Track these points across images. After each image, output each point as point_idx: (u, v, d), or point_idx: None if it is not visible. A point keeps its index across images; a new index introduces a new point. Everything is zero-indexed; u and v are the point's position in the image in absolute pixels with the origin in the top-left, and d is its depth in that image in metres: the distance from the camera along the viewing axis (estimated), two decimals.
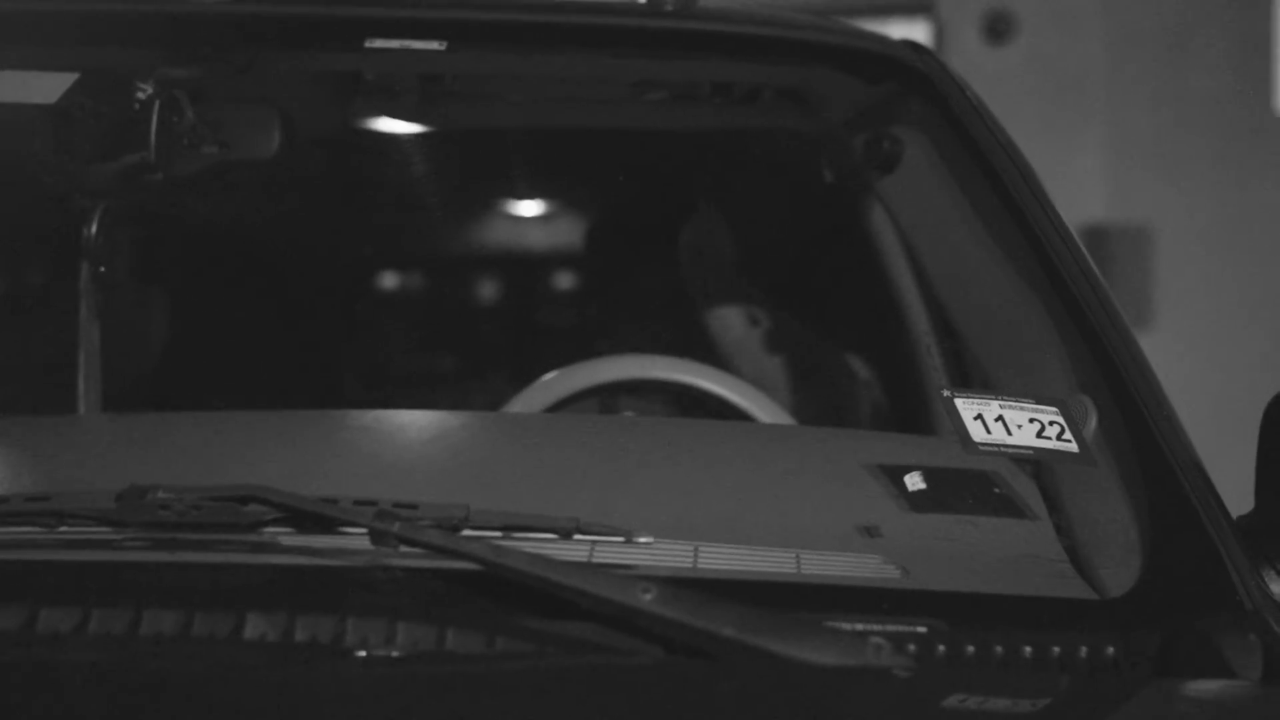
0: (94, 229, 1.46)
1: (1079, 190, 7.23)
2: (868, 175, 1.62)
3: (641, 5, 1.58)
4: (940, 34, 7.38)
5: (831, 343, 1.68)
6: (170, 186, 1.47)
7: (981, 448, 1.13)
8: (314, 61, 1.52)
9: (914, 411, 1.69)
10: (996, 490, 1.20)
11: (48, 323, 1.52)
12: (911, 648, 0.95)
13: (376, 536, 0.96)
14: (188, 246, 1.63)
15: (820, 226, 1.81)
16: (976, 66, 7.34)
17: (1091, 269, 1.39)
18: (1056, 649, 0.96)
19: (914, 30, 7.61)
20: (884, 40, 1.62)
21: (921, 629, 0.97)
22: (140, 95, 1.44)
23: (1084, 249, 1.42)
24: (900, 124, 1.54)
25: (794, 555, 1.07)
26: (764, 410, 1.49)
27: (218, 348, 1.75)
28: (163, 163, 1.44)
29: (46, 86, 1.43)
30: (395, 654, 0.92)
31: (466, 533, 0.98)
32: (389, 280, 2.11)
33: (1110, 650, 0.97)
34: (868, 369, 1.78)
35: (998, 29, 7.20)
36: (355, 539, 0.99)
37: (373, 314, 2.05)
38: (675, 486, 1.18)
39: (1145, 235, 7.08)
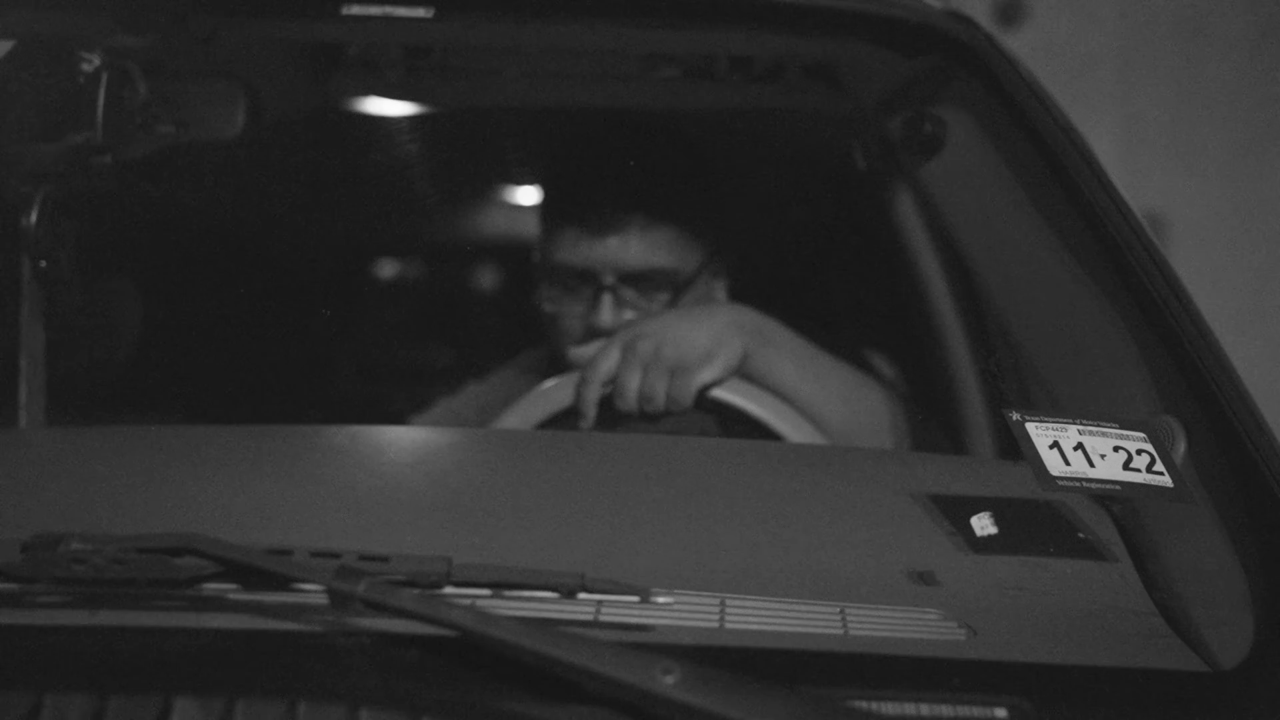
0: (34, 218, 1.28)
1: None
2: (905, 161, 1.44)
3: None
4: None
5: (861, 349, 1.50)
6: (120, 169, 1.28)
7: (1060, 483, 0.95)
8: (284, 30, 1.34)
9: (949, 428, 1.51)
10: (1070, 526, 1.02)
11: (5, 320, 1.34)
12: None
13: (337, 599, 0.78)
14: (140, 237, 1.45)
15: (851, 220, 1.62)
16: None
17: (1170, 269, 1.21)
18: None
19: None
20: (923, 8, 1.43)
21: (1001, 712, 0.79)
22: (86, 67, 1.26)
23: (1165, 256, 1.24)
24: (943, 103, 1.36)
25: (839, 611, 0.89)
26: (792, 426, 1.31)
27: (175, 350, 1.56)
28: (112, 143, 1.27)
29: None
30: None
31: (448, 590, 0.80)
32: (367, 274, 1.94)
33: None
34: (892, 375, 1.60)
35: (1009, 13, 7.03)
36: (313, 597, 0.81)
37: (349, 312, 1.87)
38: (697, 524, 1.00)
39: (1159, 223, 6.91)
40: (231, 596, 0.82)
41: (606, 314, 1.42)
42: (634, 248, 1.45)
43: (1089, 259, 1.19)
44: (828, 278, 1.64)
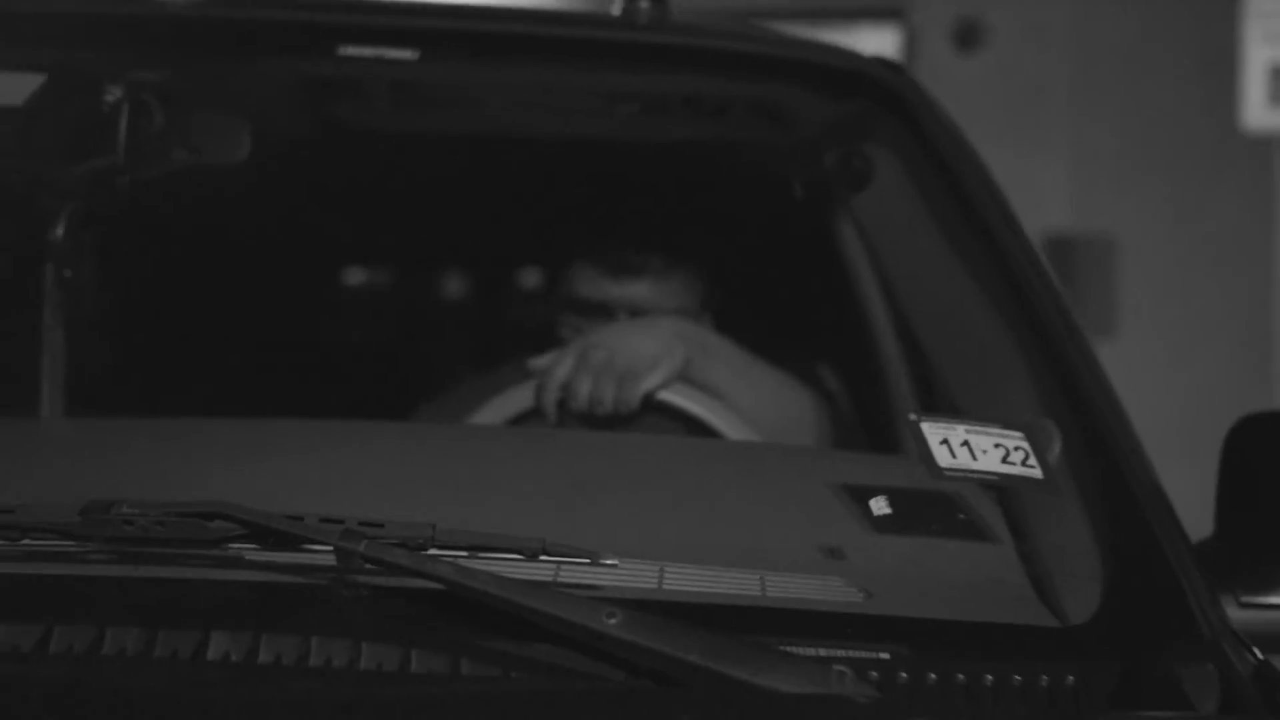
0: (60, 232, 1.45)
1: (1043, 199, 7.27)
2: (837, 192, 1.62)
3: (614, 17, 1.58)
4: (910, 41, 7.41)
5: (798, 358, 1.69)
6: (138, 189, 1.45)
7: (947, 473, 1.14)
8: (287, 68, 1.51)
9: (880, 429, 1.70)
10: (960, 514, 1.20)
11: (10, 327, 1.50)
12: (874, 674, 0.95)
13: (342, 555, 0.96)
14: (154, 249, 1.62)
15: (790, 242, 1.81)
16: (945, 74, 7.37)
17: (1057, 290, 1.39)
18: (1018, 677, 0.97)
19: (884, 37, 7.64)
20: (855, 56, 1.62)
21: (884, 655, 0.97)
22: (109, 98, 1.42)
23: (1050, 270, 1.43)
24: (870, 141, 1.54)
25: (759, 578, 1.07)
26: (729, 426, 1.50)
27: (184, 353, 1.74)
28: (131, 166, 1.43)
29: (13, 88, 1.41)
30: (358, 674, 0.92)
31: (432, 552, 0.98)
32: (358, 283, 2.11)
33: (1070, 679, 0.98)
34: (836, 385, 1.79)
35: (967, 38, 7.24)
36: (320, 556, 0.98)
37: (341, 317, 2.04)
38: (641, 505, 1.18)
39: (1107, 245, 7.13)
40: (253, 555, 0.99)
41: None
42: (648, 291, 1.66)
43: (989, 283, 1.37)
44: (771, 294, 1.83)
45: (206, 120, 1.48)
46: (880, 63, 1.62)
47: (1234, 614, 1.16)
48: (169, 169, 1.46)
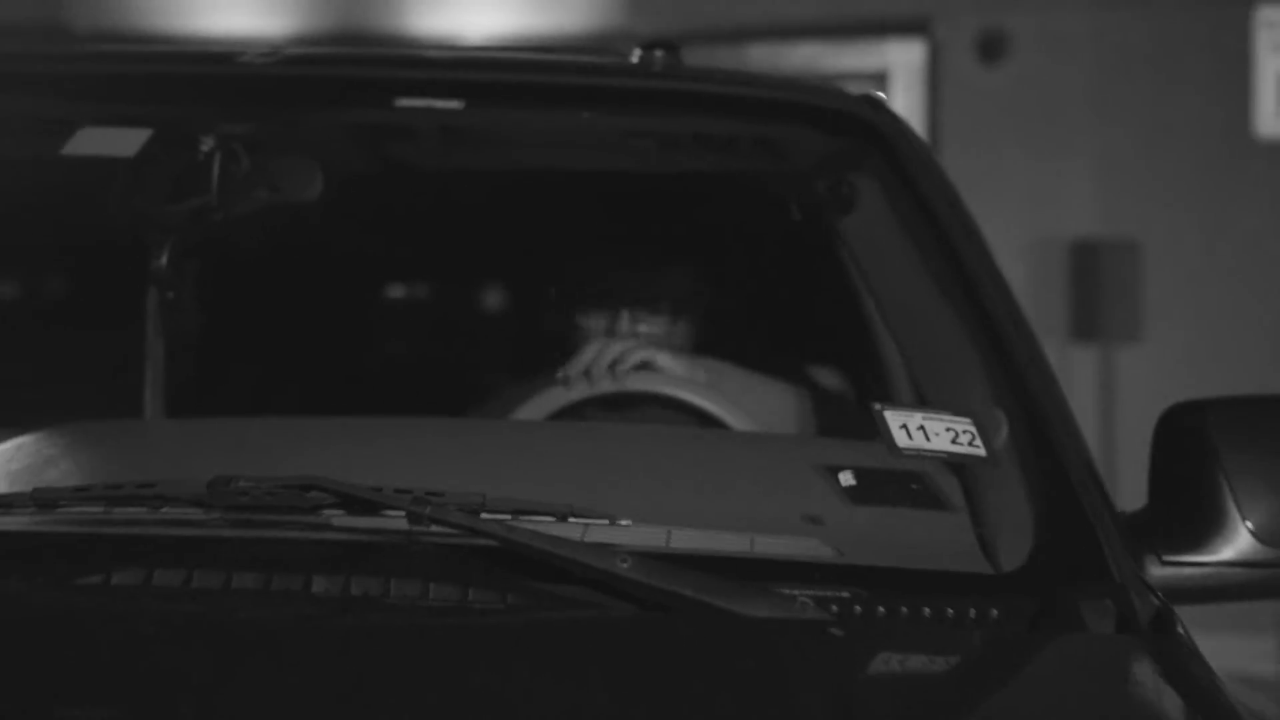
0: (163, 260, 1.73)
1: (1068, 206, 7.48)
2: (829, 215, 1.88)
3: (633, 65, 1.85)
4: (935, 54, 7.64)
5: (795, 356, 1.95)
6: (228, 224, 1.73)
7: (904, 452, 1.39)
8: (352, 117, 1.79)
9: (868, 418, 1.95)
10: (924, 487, 1.46)
11: (121, 340, 1.78)
12: (834, 607, 1.21)
13: (413, 518, 1.23)
14: (241, 275, 1.90)
15: (790, 259, 2.07)
16: (970, 86, 7.60)
17: (1013, 302, 1.64)
18: (951, 610, 1.22)
19: (910, 50, 7.87)
20: (845, 97, 1.87)
21: (845, 594, 1.23)
22: (204, 147, 1.70)
23: (1007, 285, 1.67)
24: (856, 171, 1.80)
25: (749, 538, 1.33)
26: (733, 418, 1.76)
27: (264, 361, 2.01)
28: (222, 204, 1.70)
29: (125, 141, 1.69)
30: (427, 608, 1.19)
31: (484, 515, 1.24)
32: (409, 299, 2.39)
33: (994, 612, 1.23)
34: (833, 380, 2.05)
35: (991, 50, 7.46)
36: (395, 520, 1.25)
37: (394, 332, 2.32)
38: (656, 481, 1.45)
39: (1133, 251, 7.33)
40: (340, 520, 1.26)
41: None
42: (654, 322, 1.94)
43: (951, 292, 1.63)
44: (770, 302, 2.09)
45: (285, 164, 1.76)
46: (866, 101, 1.87)
47: (1157, 570, 1.41)
48: (254, 206, 1.73)
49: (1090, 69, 7.43)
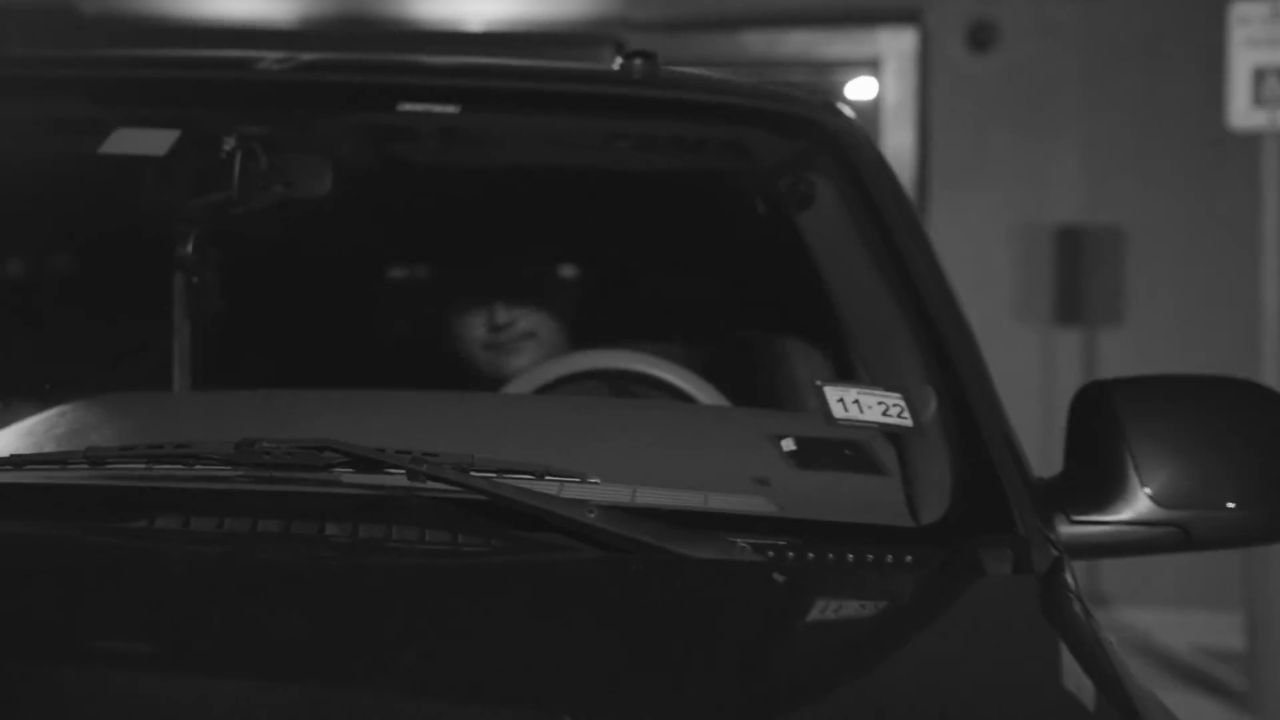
0: (189, 248, 1.94)
1: (1055, 192, 7.69)
2: (790, 209, 2.09)
3: (614, 72, 2.06)
4: (926, 41, 7.83)
5: (762, 333, 2.17)
6: (247, 216, 1.94)
7: (840, 422, 1.61)
8: (360, 120, 2.00)
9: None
10: (857, 453, 1.68)
11: (151, 320, 1.99)
12: (771, 553, 1.43)
13: (412, 475, 1.44)
14: (260, 261, 2.12)
15: (755, 247, 2.29)
16: (960, 73, 7.80)
17: (948, 289, 1.85)
18: (870, 556, 1.44)
19: (902, 38, 8.06)
20: (805, 103, 2.08)
21: (783, 542, 1.45)
22: (226, 146, 1.91)
23: (944, 274, 1.89)
24: (813, 170, 2.01)
25: (703, 495, 1.55)
26: (702, 393, 1.98)
27: (281, 340, 2.23)
28: (242, 199, 1.91)
29: (156, 141, 1.90)
30: (423, 550, 1.40)
31: (473, 473, 1.46)
32: (409, 283, 2.61)
33: (908, 558, 1.45)
34: (796, 355, 2.27)
35: (980, 38, 7.66)
36: (396, 477, 1.46)
37: (395, 312, 2.54)
38: (623, 446, 1.66)
39: (1117, 236, 7.53)
40: (350, 476, 1.47)
41: None
42: None
43: (894, 281, 1.84)
44: (735, 287, 2.31)
45: (298, 161, 1.97)
46: (823, 108, 2.08)
47: (1066, 528, 1.63)
48: (270, 200, 1.95)
49: (1077, 58, 7.62)
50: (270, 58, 1.99)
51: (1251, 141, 5.71)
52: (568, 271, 2.38)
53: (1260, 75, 5.52)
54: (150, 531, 1.42)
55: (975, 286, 7.65)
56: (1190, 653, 6.66)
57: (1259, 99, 5.54)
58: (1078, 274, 7.52)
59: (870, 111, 8.09)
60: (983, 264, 7.64)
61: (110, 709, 1.09)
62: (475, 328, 2.32)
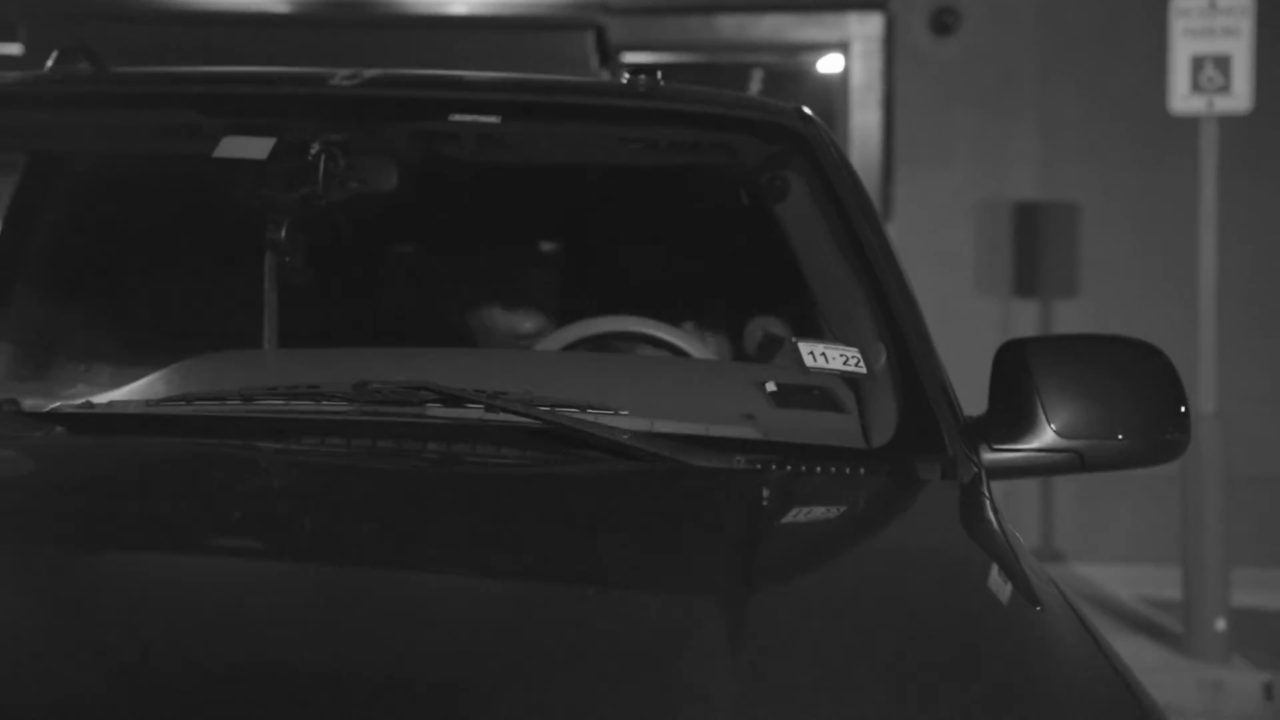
0: (282, 234, 2.43)
1: (1012, 170, 8.23)
2: (768, 200, 2.60)
3: (623, 85, 2.56)
4: (891, 26, 8.35)
5: (745, 303, 2.69)
6: (329, 208, 2.43)
7: (810, 371, 2.12)
8: (418, 128, 2.49)
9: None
10: (824, 394, 2.19)
11: (249, 293, 2.48)
12: (758, 466, 1.94)
13: (488, 407, 1.95)
14: (341, 244, 2.62)
15: (739, 232, 2.80)
16: (923, 57, 8.33)
17: (896, 263, 2.36)
18: (833, 469, 1.95)
19: (868, 23, 8.57)
20: (780, 111, 2.59)
21: (767, 457, 1.96)
22: (312, 151, 2.40)
23: (896, 257, 2.39)
24: (788, 169, 2.52)
25: (705, 426, 2.06)
26: (698, 351, 2.49)
27: (355, 307, 2.74)
28: (325, 192, 2.40)
29: (256, 147, 2.39)
30: (499, 463, 1.91)
31: (537, 407, 1.96)
32: (457, 256, 3.12)
33: (861, 470, 1.96)
34: (781, 328, 2.78)
35: (943, 22, 8.19)
36: (475, 411, 1.96)
37: (449, 282, 3.05)
38: (644, 390, 2.17)
39: (1072, 212, 8.08)
40: (440, 411, 1.97)
41: None
42: None
43: (851, 258, 2.35)
44: (724, 263, 2.82)
45: (370, 162, 2.46)
46: (795, 114, 2.58)
47: (989, 455, 2.15)
48: (348, 194, 2.44)
49: (1034, 43, 8.14)
50: (341, 74, 2.48)
51: (1192, 123, 6.23)
52: (582, 249, 2.89)
53: (1198, 63, 6.03)
54: (290, 451, 1.92)
55: (939, 261, 8.22)
56: (1134, 602, 7.24)
57: (1197, 85, 6.06)
58: (1035, 248, 8.06)
59: (839, 91, 8.60)
60: (945, 239, 8.19)
61: (281, 565, 1.58)
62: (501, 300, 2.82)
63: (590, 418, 1.97)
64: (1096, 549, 8.40)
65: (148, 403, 1.99)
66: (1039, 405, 2.13)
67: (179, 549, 1.59)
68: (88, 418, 1.96)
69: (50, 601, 1.40)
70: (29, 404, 2.00)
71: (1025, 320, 8.38)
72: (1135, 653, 6.18)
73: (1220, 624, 5.98)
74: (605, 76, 8.33)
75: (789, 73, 9.00)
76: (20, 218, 2.87)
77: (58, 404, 2.01)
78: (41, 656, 1.28)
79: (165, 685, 1.25)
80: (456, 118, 2.46)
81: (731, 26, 8.59)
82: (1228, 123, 6.35)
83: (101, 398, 2.05)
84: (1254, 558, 7.69)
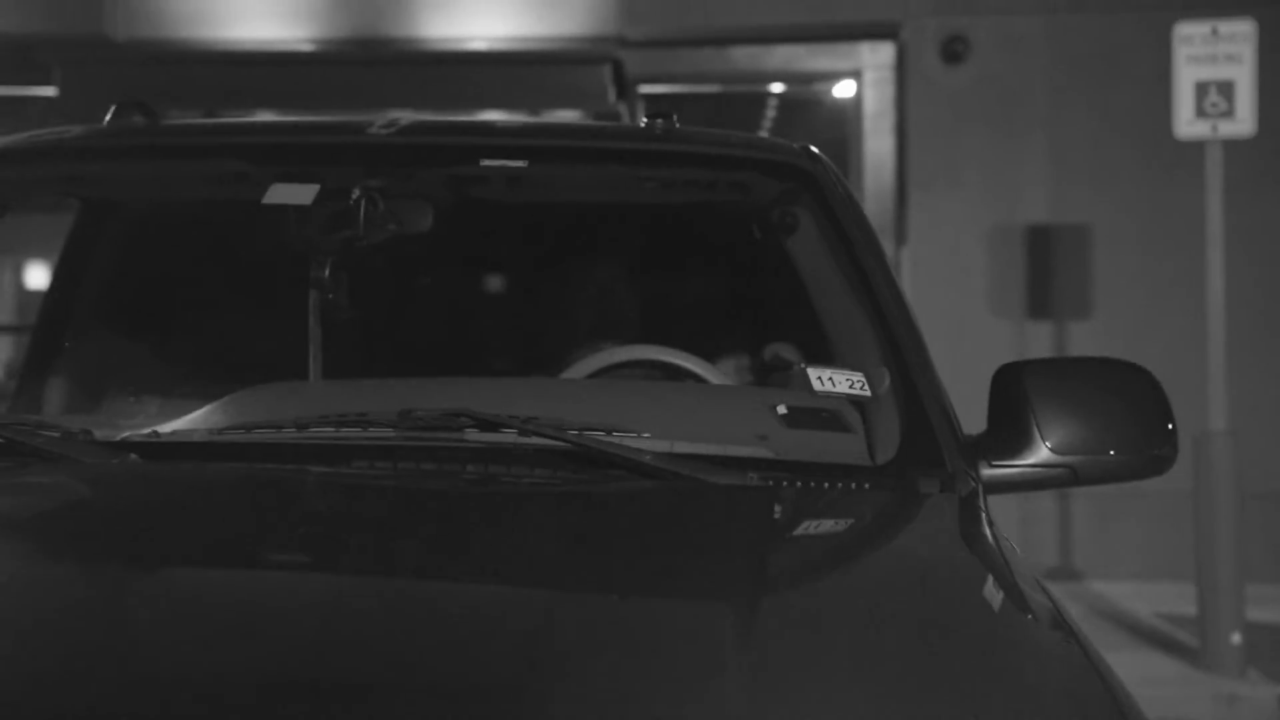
0: (326, 272, 2.62)
1: (1024, 194, 8.40)
2: (779, 235, 2.79)
3: (641, 129, 2.75)
4: (902, 55, 8.55)
5: (759, 332, 2.87)
6: (368, 249, 2.63)
7: (819, 393, 2.31)
8: (453, 173, 2.68)
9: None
10: (832, 415, 2.37)
11: (295, 328, 2.68)
12: (770, 481, 2.12)
13: (522, 432, 2.13)
14: (382, 282, 2.81)
15: (752, 265, 2.99)
16: (934, 84, 8.52)
17: (903, 300, 2.55)
18: (840, 484, 2.14)
19: (880, 51, 8.77)
20: (789, 150, 2.78)
21: (779, 475, 2.14)
22: (353, 196, 2.59)
23: (900, 287, 2.58)
24: (797, 205, 2.70)
25: (722, 446, 2.24)
26: (714, 377, 2.68)
27: (394, 339, 2.94)
28: (366, 234, 2.60)
29: (305, 193, 2.59)
30: (530, 483, 2.10)
31: (566, 431, 2.15)
32: (493, 293, 3.32)
33: (866, 486, 2.15)
34: (788, 349, 2.97)
35: (954, 50, 8.39)
36: (509, 436, 2.15)
37: (483, 314, 3.25)
38: (664, 412, 2.36)
39: (1082, 234, 8.25)
40: (476, 435, 2.16)
41: None
42: None
43: (858, 289, 2.53)
44: (738, 296, 3.01)
45: (406, 205, 2.66)
46: (806, 154, 2.77)
47: (987, 470, 2.33)
48: (386, 235, 2.63)
49: (1043, 70, 8.33)
50: (378, 123, 2.68)
51: (1199, 145, 6.39)
52: (604, 283, 3.08)
53: (1202, 89, 6.21)
54: (340, 474, 2.11)
55: (953, 283, 8.40)
56: (1150, 617, 7.39)
57: (1201, 110, 6.23)
58: (1047, 269, 8.23)
59: (852, 119, 8.79)
60: (959, 262, 8.37)
61: (338, 577, 1.77)
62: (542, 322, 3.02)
63: (615, 440, 2.15)
64: (1113, 566, 8.56)
65: (210, 431, 2.19)
66: (1034, 424, 2.30)
67: (247, 562, 1.77)
68: (158, 445, 2.15)
69: (146, 604, 1.59)
70: (100, 434, 2.20)
71: (1039, 340, 8.54)
72: (1152, 667, 6.32)
73: (1235, 638, 6.11)
74: (623, 108, 8.54)
75: (803, 101, 9.21)
76: (75, 260, 3.08)
77: (127, 434, 2.21)
78: (127, 660, 1.46)
79: (230, 684, 1.42)
80: (487, 163, 2.65)
81: (746, 58, 8.80)
82: (1233, 145, 6.52)
83: (166, 427, 2.24)
84: (1269, 574, 7.83)
